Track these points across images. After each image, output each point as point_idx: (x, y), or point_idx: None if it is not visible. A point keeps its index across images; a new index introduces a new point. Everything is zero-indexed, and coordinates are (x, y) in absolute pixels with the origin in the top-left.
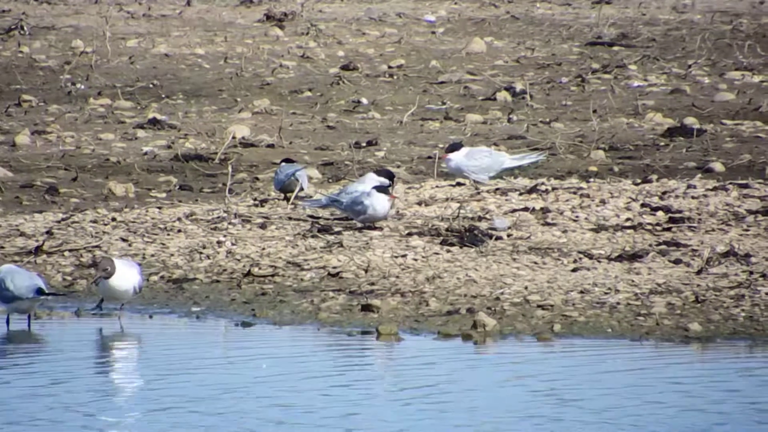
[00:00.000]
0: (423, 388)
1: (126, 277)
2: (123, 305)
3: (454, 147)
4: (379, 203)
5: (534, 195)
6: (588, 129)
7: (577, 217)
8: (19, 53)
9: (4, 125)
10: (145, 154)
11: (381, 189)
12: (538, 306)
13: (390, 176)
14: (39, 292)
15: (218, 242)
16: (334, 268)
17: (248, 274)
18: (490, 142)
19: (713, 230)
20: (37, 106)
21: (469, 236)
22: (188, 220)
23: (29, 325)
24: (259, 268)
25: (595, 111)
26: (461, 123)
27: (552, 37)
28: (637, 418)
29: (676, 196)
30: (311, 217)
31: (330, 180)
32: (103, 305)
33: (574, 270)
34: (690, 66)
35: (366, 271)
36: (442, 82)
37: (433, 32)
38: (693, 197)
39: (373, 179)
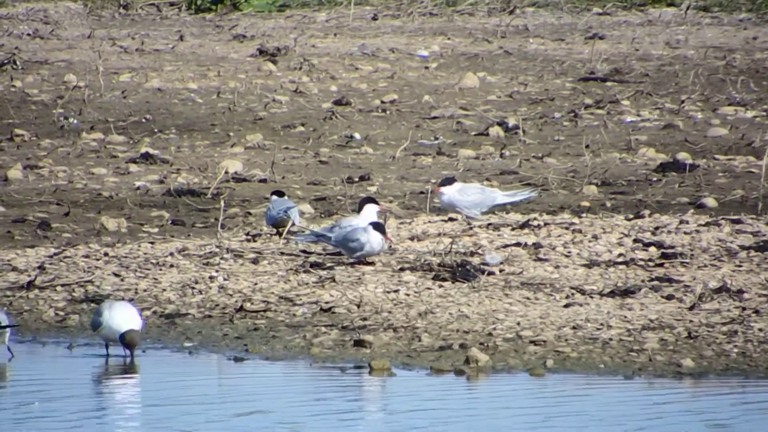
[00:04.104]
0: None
1: (134, 321)
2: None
3: (447, 181)
4: (375, 241)
5: (526, 230)
6: (580, 164)
7: (569, 252)
8: (11, 88)
9: None
10: (138, 188)
11: (377, 227)
12: (531, 341)
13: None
14: None
15: (210, 277)
16: (327, 303)
17: (240, 309)
18: (483, 178)
19: (706, 266)
20: (29, 140)
21: (462, 271)
22: (180, 255)
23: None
24: (252, 303)
25: (587, 146)
26: (454, 158)
27: (545, 73)
28: None
29: (669, 232)
30: (303, 252)
31: (322, 215)
32: (109, 349)
33: (566, 306)
34: (683, 101)
35: (358, 306)
36: (434, 117)
37: (426, 67)
38: (685, 233)
39: (368, 212)
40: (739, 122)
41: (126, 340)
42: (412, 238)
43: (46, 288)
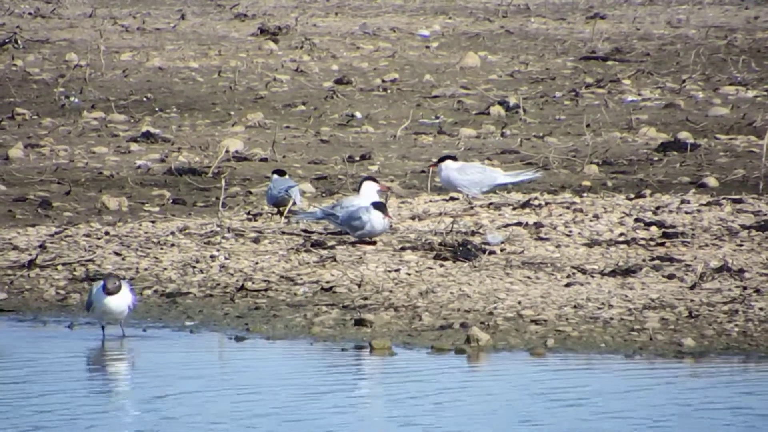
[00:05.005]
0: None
1: (121, 295)
2: (121, 323)
3: (445, 158)
4: (377, 220)
5: (527, 210)
6: (581, 143)
7: (570, 232)
8: (12, 66)
9: None
10: (139, 167)
11: (378, 206)
12: (532, 321)
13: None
14: None
15: (211, 256)
16: (328, 282)
17: (241, 288)
18: (484, 157)
19: (707, 245)
20: (30, 119)
21: (463, 251)
22: (181, 234)
23: None
24: (253, 283)
25: (588, 125)
26: (455, 137)
27: (546, 52)
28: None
29: (670, 211)
30: (304, 231)
31: (323, 194)
32: (104, 327)
33: (567, 285)
34: (684, 81)
35: (359, 285)
36: (435, 97)
37: (427, 46)
38: (686, 212)
39: (368, 191)
40: (740, 102)
41: (107, 285)
42: (413, 218)
43: (47, 267)
